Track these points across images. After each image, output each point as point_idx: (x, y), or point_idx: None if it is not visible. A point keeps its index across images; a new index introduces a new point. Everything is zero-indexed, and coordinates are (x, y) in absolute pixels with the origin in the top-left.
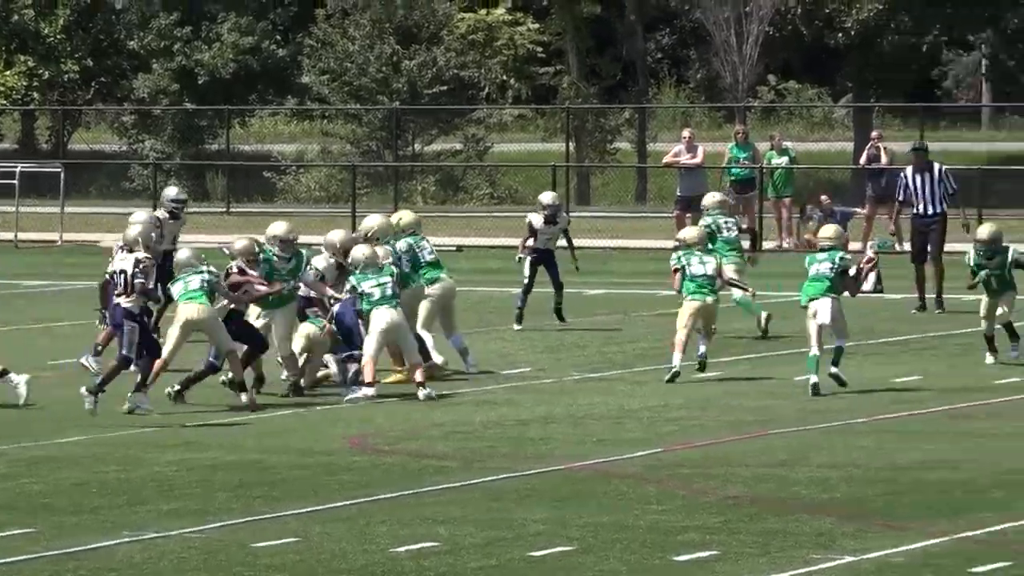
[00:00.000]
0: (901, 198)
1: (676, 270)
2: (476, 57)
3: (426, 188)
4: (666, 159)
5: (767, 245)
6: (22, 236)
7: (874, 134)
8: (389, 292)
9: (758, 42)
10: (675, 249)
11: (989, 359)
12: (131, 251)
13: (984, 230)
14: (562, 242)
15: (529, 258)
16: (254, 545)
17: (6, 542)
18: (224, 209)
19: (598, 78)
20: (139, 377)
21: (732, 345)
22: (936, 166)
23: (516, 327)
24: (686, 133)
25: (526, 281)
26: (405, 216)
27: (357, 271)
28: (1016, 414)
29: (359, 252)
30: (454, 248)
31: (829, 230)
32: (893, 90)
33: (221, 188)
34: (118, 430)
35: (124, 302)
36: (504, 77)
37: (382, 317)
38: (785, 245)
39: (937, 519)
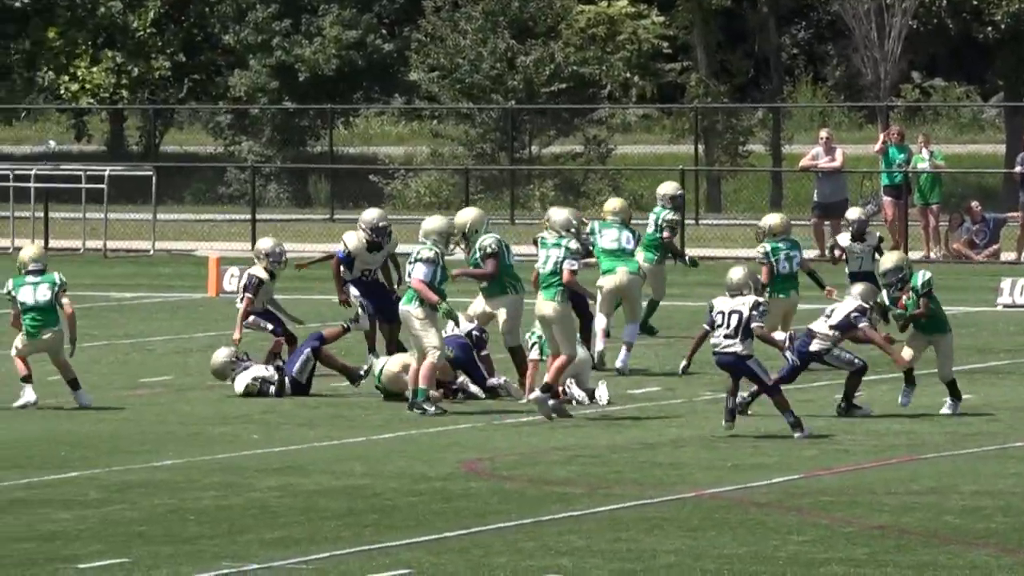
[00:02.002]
0: None
1: (763, 264)
2: (597, 53)
3: (545, 193)
4: (803, 162)
5: (913, 256)
6: (111, 244)
7: None
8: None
9: (901, 36)
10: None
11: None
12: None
13: (888, 258)
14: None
15: None
16: None
17: (98, 573)
18: (328, 216)
19: (729, 75)
20: None
21: (875, 364)
22: None
23: None
24: (824, 134)
25: None
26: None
27: None
28: None
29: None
30: None
31: None
32: None
33: (325, 194)
34: (214, 453)
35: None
36: (627, 74)
37: None
38: (933, 256)
39: None
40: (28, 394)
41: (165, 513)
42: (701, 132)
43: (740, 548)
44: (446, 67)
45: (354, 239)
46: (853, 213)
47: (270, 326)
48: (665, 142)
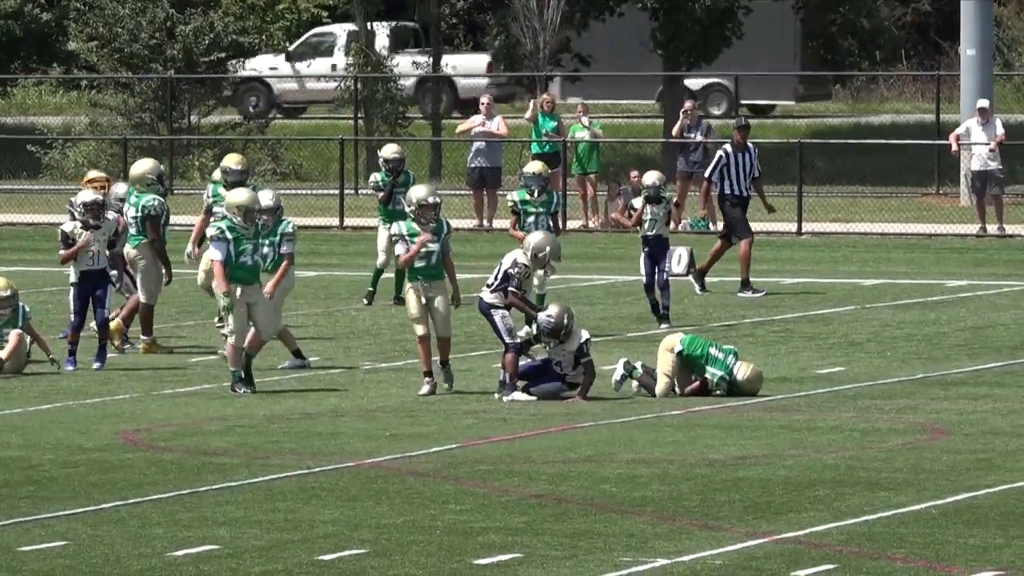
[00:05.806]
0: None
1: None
2: (256, 22)
3: (204, 163)
4: (461, 127)
5: (571, 225)
6: None
7: (688, 104)
8: None
9: (560, 5)
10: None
11: None
12: None
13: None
14: None
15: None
16: (20, 549)
17: None
18: None
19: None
20: None
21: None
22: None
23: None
24: (484, 99)
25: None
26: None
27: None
28: (837, 406)
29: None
30: None
31: None
32: (704, 58)
33: None
34: None
35: None
36: (286, 43)
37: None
38: (592, 225)
39: (757, 519)
40: None
41: None
42: (360, 102)
43: (398, 518)
44: (105, 36)
45: None
46: (650, 178)
47: None
48: (325, 112)
